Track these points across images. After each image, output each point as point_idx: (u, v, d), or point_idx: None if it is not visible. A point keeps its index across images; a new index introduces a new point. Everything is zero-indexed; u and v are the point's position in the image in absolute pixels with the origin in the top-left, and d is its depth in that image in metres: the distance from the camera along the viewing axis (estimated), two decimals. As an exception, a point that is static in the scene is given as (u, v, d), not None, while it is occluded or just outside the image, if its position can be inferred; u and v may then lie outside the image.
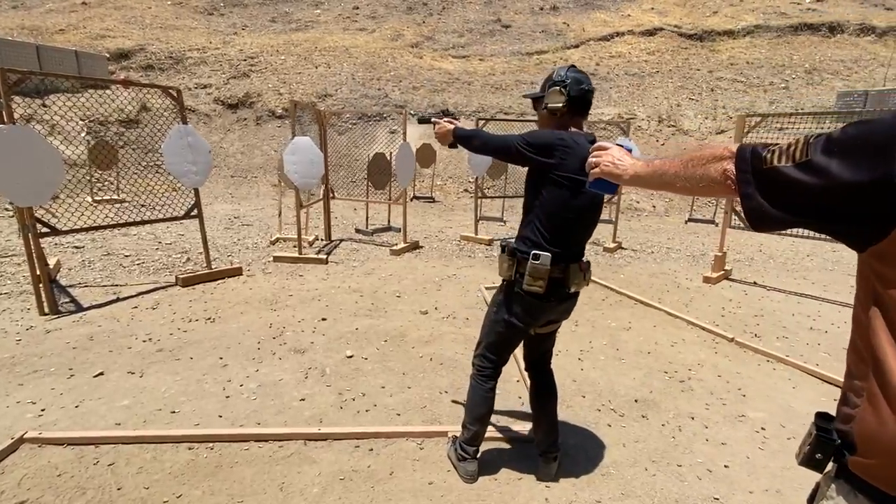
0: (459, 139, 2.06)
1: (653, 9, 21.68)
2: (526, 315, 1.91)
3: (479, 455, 2.11)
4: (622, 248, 6.70)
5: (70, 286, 4.34)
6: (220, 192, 10.41)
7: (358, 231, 7.22)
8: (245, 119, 13.74)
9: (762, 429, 2.53)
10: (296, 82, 14.73)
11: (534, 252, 1.80)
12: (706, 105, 14.59)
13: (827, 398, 2.90)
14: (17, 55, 10.40)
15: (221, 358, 3.09)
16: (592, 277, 4.97)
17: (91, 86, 10.52)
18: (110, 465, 2.08)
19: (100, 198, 8.59)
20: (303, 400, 2.65)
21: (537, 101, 1.99)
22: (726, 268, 5.52)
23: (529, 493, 2.01)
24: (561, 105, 1.84)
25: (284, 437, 2.27)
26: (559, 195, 1.81)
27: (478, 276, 5.19)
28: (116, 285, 4.43)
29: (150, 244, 5.92)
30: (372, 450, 2.23)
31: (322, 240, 6.69)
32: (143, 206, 7.14)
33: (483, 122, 6.60)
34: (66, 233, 3.86)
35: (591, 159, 1.17)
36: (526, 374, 2.24)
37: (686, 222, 8.91)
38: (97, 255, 5.34)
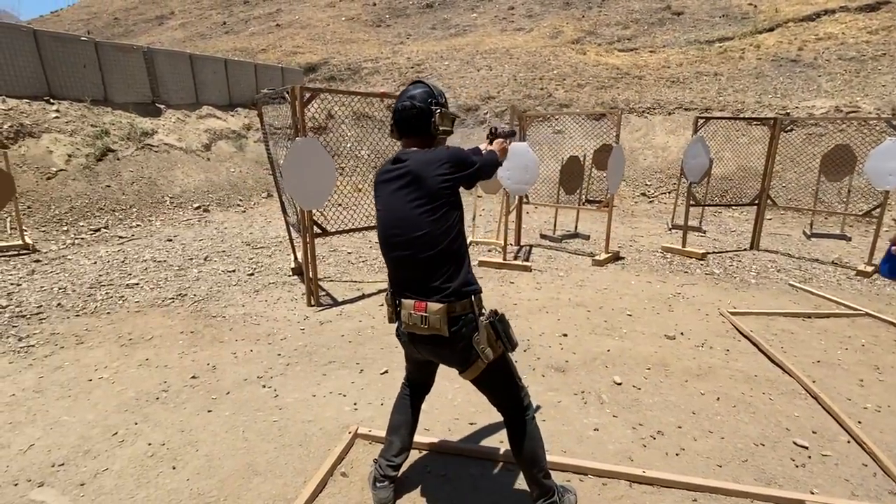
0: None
1: (870, -22, 17.90)
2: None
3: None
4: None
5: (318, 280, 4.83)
6: (396, 193, 11.10)
7: (544, 237, 7.03)
8: (413, 123, 14.54)
9: None
10: (459, 86, 15.14)
11: None
12: (961, 92, 11.54)
13: None
14: (241, 73, 12.26)
15: (488, 369, 3.08)
16: (870, 311, 4.11)
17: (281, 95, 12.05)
18: (442, 475, 2.11)
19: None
20: (596, 430, 2.48)
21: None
22: None
23: None
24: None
25: (606, 474, 2.11)
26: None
27: (709, 297, 4.60)
28: (355, 281, 4.82)
29: (363, 242, 6.42)
30: (715, 508, 1.95)
31: (512, 245, 6.62)
32: (339, 205, 7.84)
33: (703, 120, 5.90)
34: (334, 234, 4.25)
35: None
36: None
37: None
38: (325, 251, 5.92)
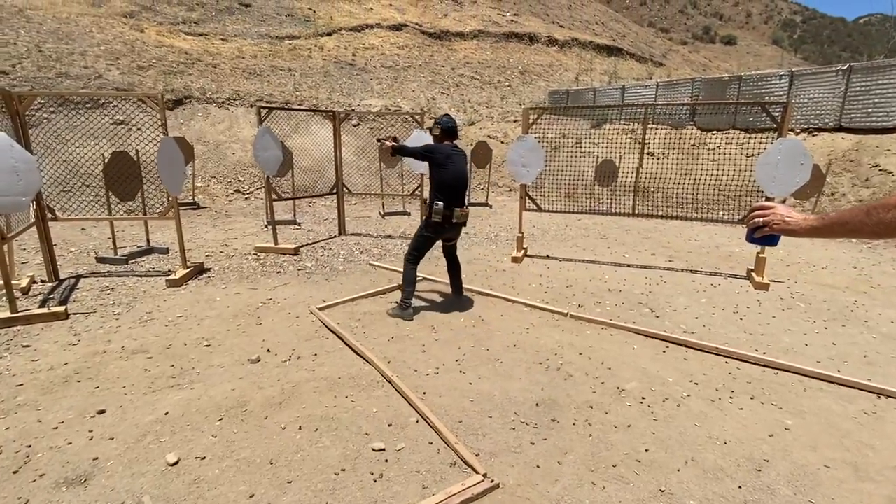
0: (398, 151, 3.98)
1: (391, 5, 22.75)
2: (434, 232, 3.84)
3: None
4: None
5: None
6: None
7: (102, 260, 5.28)
8: None
9: (643, 399, 2.74)
10: (-71, 51, 9.96)
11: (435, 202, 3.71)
12: (455, 99, 16.16)
13: (657, 351, 3.38)
14: None
15: None
16: (426, 275, 4.83)
17: None
18: None
19: None
20: (123, 572, 1.60)
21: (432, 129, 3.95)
22: (525, 246, 6.10)
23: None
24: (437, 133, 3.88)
25: None
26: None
27: (301, 295, 4.37)
28: None
29: None
30: None
31: (44, 282, 4.63)
32: None
33: (266, 111, 5.56)
34: None
35: (757, 219, 1.27)
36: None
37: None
38: None
